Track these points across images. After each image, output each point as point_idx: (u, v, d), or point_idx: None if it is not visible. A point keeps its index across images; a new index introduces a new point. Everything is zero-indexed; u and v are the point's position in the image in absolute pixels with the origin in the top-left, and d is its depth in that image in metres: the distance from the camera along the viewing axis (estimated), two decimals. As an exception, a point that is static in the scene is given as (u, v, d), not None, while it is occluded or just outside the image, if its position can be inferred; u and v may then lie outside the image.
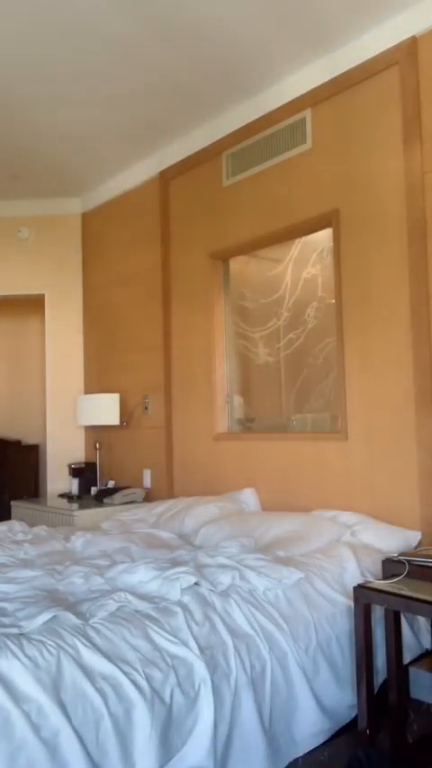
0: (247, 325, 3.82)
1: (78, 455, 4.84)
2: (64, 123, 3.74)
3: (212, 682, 1.84)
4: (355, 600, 2.15)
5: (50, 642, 1.69)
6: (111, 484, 4.41)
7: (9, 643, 1.64)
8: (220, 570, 2.23)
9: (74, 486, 4.44)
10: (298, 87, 3.29)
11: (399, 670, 2.22)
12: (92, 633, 1.78)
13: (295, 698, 2.06)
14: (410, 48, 2.82)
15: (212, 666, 1.87)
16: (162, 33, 2.91)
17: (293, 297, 3.58)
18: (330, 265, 3.32)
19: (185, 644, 1.87)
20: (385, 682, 2.28)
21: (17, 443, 5.88)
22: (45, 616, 1.80)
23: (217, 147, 3.76)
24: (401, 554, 2.36)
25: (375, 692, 2.19)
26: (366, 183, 3.01)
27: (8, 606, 1.95)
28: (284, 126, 3.40)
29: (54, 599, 2.05)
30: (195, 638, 1.90)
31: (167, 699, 1.75)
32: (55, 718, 1.55)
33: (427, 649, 2.48)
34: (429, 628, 2.52)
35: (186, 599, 2.05)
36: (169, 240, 4.14)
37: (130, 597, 1.98)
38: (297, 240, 3.55)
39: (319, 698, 2.11)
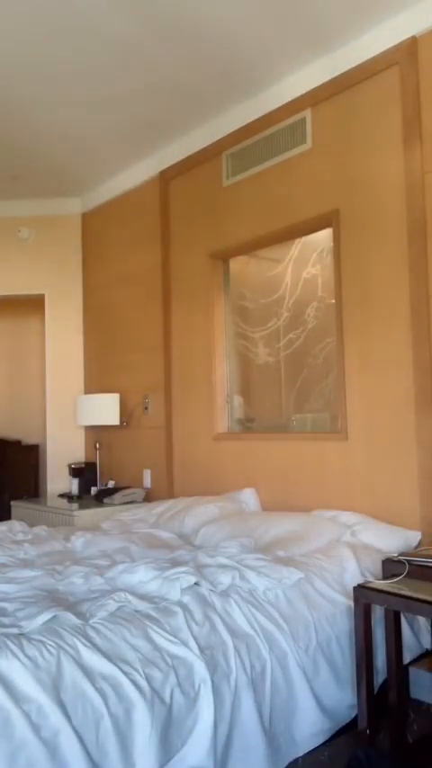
0: (247, 325, 3.82)
1: (78, 455, 4.84)
2: (64, 123, 3.74)
3: (212, 682, 1.84)
4: (355, 600, 2.15)
5: (50, 642, 1.69)
6: (111, 484, 4.41)
7: (9, 643, 1.64)
8: (220, 570, 2.23)
9: (74, 486, 4.44)
10: (298, 87, 3.29)
11: (399, 670, 2.22)
12: (92, 633, 1.78)
13: (295, 698, 2.06)
14: (410, 48, 2.82)
15: (212, 666, 1.87)
16: (162, 33, 2.91)
17: (293, 297, 3.58)
18: (330, 265, 3.32)
19: (185, 644, 1.87)
20: (385, 682, 2.28)
21: (17, 443, 5.88)
22: (45, 616, 1.80)
23: (217, 147, 3.76)
24: (401, 554, 2.36)
25: (375, 692, 2.19)
26: (366, 183, 3.01)
27: (8, 606, 1.95)
28: (284, 126, 3.40)
29: (54, 599, 2.05)
30: (195, 638, 1.90)
31: (167, 699, 1.75)
32: (55, 718, 1.55)
33: (427, 649, 2.48)
34: (429, 628, 2.52)
35: (186, 599, 2.05)
36: (169, 240, 4.14)
37: (130, 597, 1.98)
38: (297, 240, 3.55)
39: (319, 698, 2.11)
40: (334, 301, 3.21)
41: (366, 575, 2.43)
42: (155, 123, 3.78)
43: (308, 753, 2.07)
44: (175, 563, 2.40)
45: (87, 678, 1.66)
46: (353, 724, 2.19)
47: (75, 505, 4.00)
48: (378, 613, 2.32)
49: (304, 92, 3.27)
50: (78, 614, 1.87)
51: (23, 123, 3.72)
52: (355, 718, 2.17)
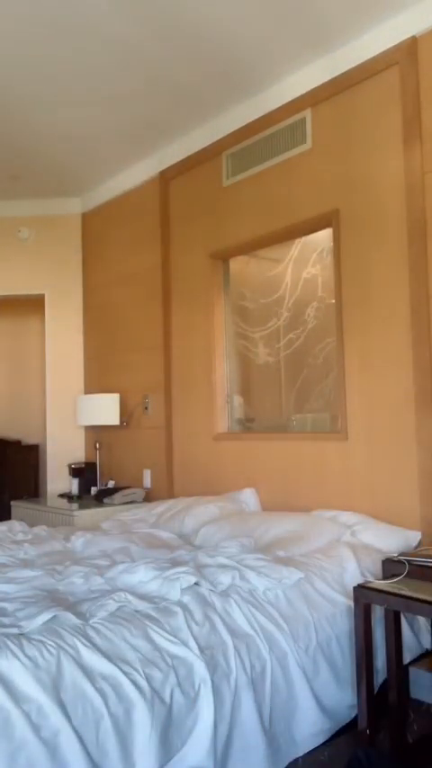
0: (247, 325, 3.82)
1: (78, 455, 4.84)
2: (64, 123, 3.74)
3: (212, 682, 1.84)
4: (355, 600, 2.15)
5: (50, 642, 1.69)
6: (111, 484, 4.41)
7: (9, 643, 1.64)
8: (220, 570, 2.23)
9: (74, 486, 4.44)
10: (298, 87, 3.29)
11: (399, 670, 2.22)
12: (92, 633, 1.78)
13: (295, 698, 2.06)
14: (410, 48, 2.82)
15: (212, 666, 1.87)
16: (162, 33, 2.91)
17: (293, 297, 3.58)
18: (330, 265, 3.32)
19: (185, 644, 1.87)
20: (385, 682, 2.28)
21: (17, 443, 5.88)
22: (45, 616, 1.80)
23: (217, 147, 3.76)
24: (401, 554, 2.36)
25: (375, 692, 2.19)
26: (366, 183, 3.01)
27: (8, 606, 1.95)
28: (284, 126, 3.40)
29: (54, 599, 2.05)
30: (195, 638, 1.90)
31: (167, 699, 1.75)
32: (55, 718, 1.55)
33: (427, 649, 2.48)
34: (429, 628, 2.52)
35: (186, 599, 2.05)
36: (169, 240, 4.14)
37: (130, 597, 1.98)
38: (297, 240, 3.55)
39: (319, 698, 2.11)
40: (334, 301, 3.21)
41: (366, 575, 2.43)
42: (155, 123, 3.78)
43: (308, 753, 2.07)
44: (175, 563, 2.40)
45: (87, 678, 1.66)
46: (353, 724, 2.19)
47: (75, 505, 4.00)
48: (378, 613, 2.32)
49: (304, 92, 3.27)
50: (78, 614, 1.87)
51: (23, 123, 3.72)
52: (355, 718, 2.17)
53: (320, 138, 3.24)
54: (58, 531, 3.23)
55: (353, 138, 3.08)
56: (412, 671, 2.47)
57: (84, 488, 4.45)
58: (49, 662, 1.64)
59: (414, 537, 2.72)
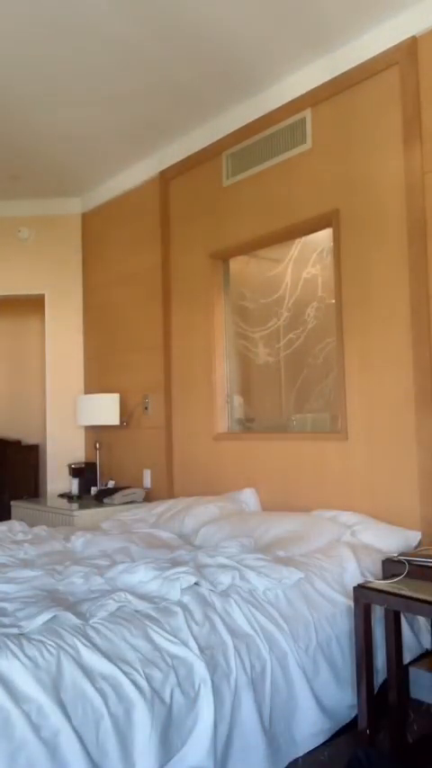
0: (247, 325, 3.82)
1: (78, 455, 4.84)
2: (64, 123, 3.74)
3: (212, 682, 1.84)
4: (355, 600, 2.15)
5: (50, 642, 1.69)
6: (111, 484, 4.41)
7: (9, 643, 1.64)
8: (220, 570, 2.23)
9: (74, 486, 4.44)
10: (298, 87, 3.29)
11: (399, 670, 2.22)
12: (92, 633, 1.78)
13: (295, 698, 2.06)
14: (410, 48, 2.82)
15: (212, 666, 1.87)
16: (162, 33, 2.91)
17: (293, 297, 3.58)
18: (330, 265, 3.32)
19: (185, 644, 1.87)
20: (385, 682, 2.28)
21: (17, 443, 5.88)
22: (45, 616, 1.80)
23: (217, 147, 3.76)
24: (401, 554, 2.36)
25: (375, 692, 2.19)
26: (366, 183, 3.01)
27: (8, 606, 1.95)
28: (284, 126, 3.40)
29: (54, 599, 2.05)
30: (195, 638, 1.90)
31: (167, 699, 1.75)
32: (55, 718, 1.55)
33: (427, 649, 2.48)
34: (429, 628, 2.52)
35: (186, 599, 2.05)
36: (169, 240, 4.14)
37: (130, 597, 1.98)
38: (297, 240, 3.55)
39: (319, 698, 2.11)
40: (334, 301, 3.21)
41: (366, 575, 2.43)
42: (155, 123, 3.78)
43: (308, 753, 2.07)
44: (175, 563, 2.40)
45: (87, 678, 1.66)
46: (353, 724, 2.19)
47: (75, 505, 4.00)
48: (378, 613, 2.32)
49: (304, 92, 3.27)
50: (78, 614, 1.87)
51: (23, 123, 3.72)
52: (355, 718, 2.17)
53: (320, 138, 3.24)
54: (58, 531, 3.23)
55: (353, 138, 3.08)
56: (412, 671, 2.47)
57: (84, 488, 4.45)
58: (49, 662, 1.64)
59: (414, 537, 2.72)
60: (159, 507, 3.54)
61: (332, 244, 3.19)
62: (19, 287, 4.94)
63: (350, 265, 3.08)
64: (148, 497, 4.17)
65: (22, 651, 1.63)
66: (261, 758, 1.90)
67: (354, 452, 3.02)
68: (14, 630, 1.74)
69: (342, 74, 3.09)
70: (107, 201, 4.69)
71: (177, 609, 1.98)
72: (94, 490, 4.40)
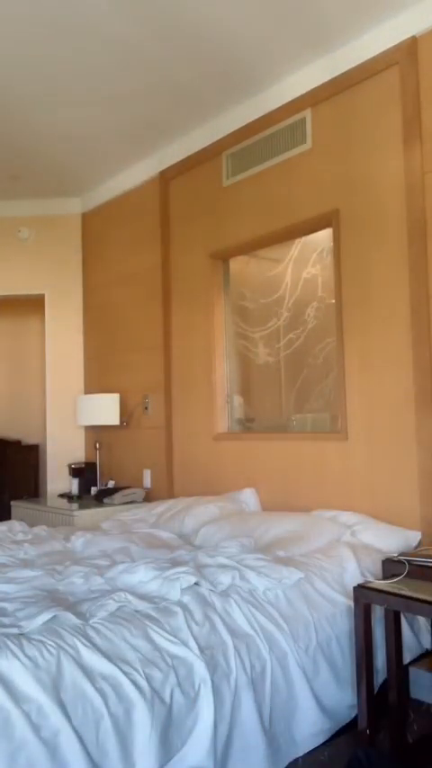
0: (247, 325, 3.82)
1: (78, 455, 4.84)
2: (64, 123, 3.74)
3: (212, 682, 1.84)
4: (355, 600, 2.15)
5: (50, 642, 1.69)
6: (111, 484, 4.42)
7: (9, 643, 1.64)
8: (220, 570, 2.23)
9: (74, 486, 4.44)
10: (298, 87, 3.29)
11: (399, 670, 2.22)
12: (92, 633, 1.78)
13: (295, 698, 2.06)
14: (410, 48, 2.82)
15: (212, 666, 1.87)
16: (162, 33, 2.91)
17: (293, 297, 3.58)
18: (330, 265, 3.32)
19: (185, 644, 1.87)
20: (385, 682, 2.28)
21: (17, 443, 5.88)
22: (45, 616, 1.80)
23: (217, 147, 3.76)
24: (401, 554, 2.36)
25: (375, 692, 2.19)
26: (366, 183, 3.01)
27: (8, 606, 1.95)
28: (284, 126, 3.40)
29: (54, 599, 2.05)
30: (195, 638, 1.90)
31: (167, 699, 1.75)
32: (55, 718, 1.55)
33: (427, 649, 2.48)
34: (429, 628, 2.52)
35: (186, 599, 2.05)
36: (169, 240, 4.14)
37: (130, 597, 1.98)
38: (297, 240, 3.55)
39: (319, 698, 2.11)
40: (334, 301, 3.21)
41: (366, 575, 2.43)
42: (155, 123, 3.78)
43: (308, 753, 2.07)
44: (175, 563, 2.40)
45: (87, 678, 1.66)
46: (353, 724, 2.19)
47: (75, 505, 4.00)
48: (378, 613, 2.32)
49: (304, 92, 3.27)
50: (78, 614, 1.87)
51: (23, 123, 3.72)
52: (355, 718, 2.17)
53: (320, 138, 3.24)
54: (58, 531, 3.23)
55: (353, 138, 3.08)
56: (412, 671, 2.47)
57: (84, 488, 4.45)
58: (49, 662, 1.64)
59: (414, 537, 2.72)
60: (159, 507, 3.54)
61: (332, 244, 3.19)
62: (19, 287, 4.94)
63: (350, 265, 3.08)
64: (148, 497, 4.17)
65: (22, 651, 1.63)
66: (261, 758, 1.90)
67: (354, 452, 3.02)
68: (14, 630, 1.74)
69: (342, 74, 3.09)
70: (107, 201, 4.69)
71: (177, 609, 1.98)
72: (94, 490, 4.40)
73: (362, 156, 3.04)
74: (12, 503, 4.41)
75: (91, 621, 1.84)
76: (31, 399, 5.94)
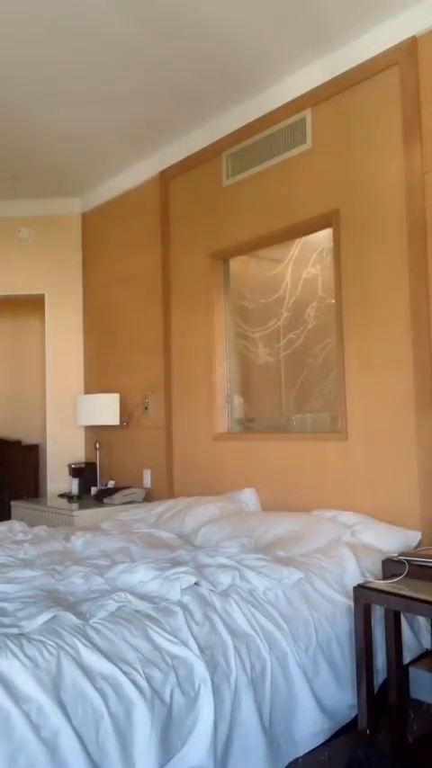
0: (247, 325, 3.82)
1: (78, 455, 4.84)
2: (64, 123, 3.74)
3: (212, 682, 1.84)
4: (355, 600, 2.15)
5: (50, 642, 1.69)
6: (111, 484, 4.41)
7: (9, 643, 1.64)
8: (220, 570, 2.23)
9: (74, 486, 4.44)
10: (298, 87, 3.29)
11: (399, 670, 2.22)
12: (92, 633, 1.78)
13: (295, 698, 2.06)
14: (410, 48, 2.82)
15: (212, 666, 1.87)
16: (162, 33, 2.91)
17: (293, 297, 3.58)
18: (330, 265, 3.32)
19: (185, 644, 1.87)
20: (385, 682, 2.28)
21: (17, 443, 5.88)
22: (45, 616, 1.80)
23: (217, 147, 3.76)
24: (401, 554, 2.36)
25: (375, 692, 2.19)
26: (366, 183, 3.01)
27: (8, 606, 1.95)
28: (284, 126, 3.40)
29: (54, 599, 2.05)
30: (195, 638, 1.90)
31: (167, 699, 1.75)
32: (55, 718, 1.55)
33: (427, 649, 2.48)
34: (429, 628, 2.52)
35: (186, 599, 2.05)
36: (169, 240, 4.14)
37: (130, 597, 1.98)
38: (297, 240, 3.55)
39: (319, 698, 2.11)
40: (334, 301, 3.21)
41: (366, 575, 2.43)
42: (155, 123, 3.78)
43: (308, 753, 2.07)
44: (175, 563, 2.40)
45: (87, 678, 1.66)
46: (353, 724, 2.19)
47: (75, 505, 4.00)
48: (378, 613, 2.32)
49: (304, 92, 3.27)
50: (78, 614, 1.87)
51: (23, 123, 3.72)
52: (355, 718, 2.17)
53: (320, 138, 3.24)
54: (58, 531, 3.23)
55: (353, 138, 3.08)
56: (412, 671, 2.47)
57: (84, 488, 4.45)
58: (49, 662, 1.64)
59: (414, 537, 2.72)
60: (159, 507, 3.54)
61: (332, 244, 3.19)
62: (19, 287, 4.94)
63: (350, 265, 3.08)
64: (148, 497, 4.17)
65: (22, 651, 1.63)
66: (261, 758, 1.90)
67: (354, 452, 3.02)
68: (14, 630, 1.74)
69: (342, 74, 3.09)
70: (107, 201, 4.69)
71: (177, 609, 1.98)
72: (94, 490, 4.40)
73: (362, 156, 3.04)
74: (12, 503, 4.41)
75: (91, 621, 1.84)
76: (31, 399, 5.94)
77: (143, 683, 1.72)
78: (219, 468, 3.73)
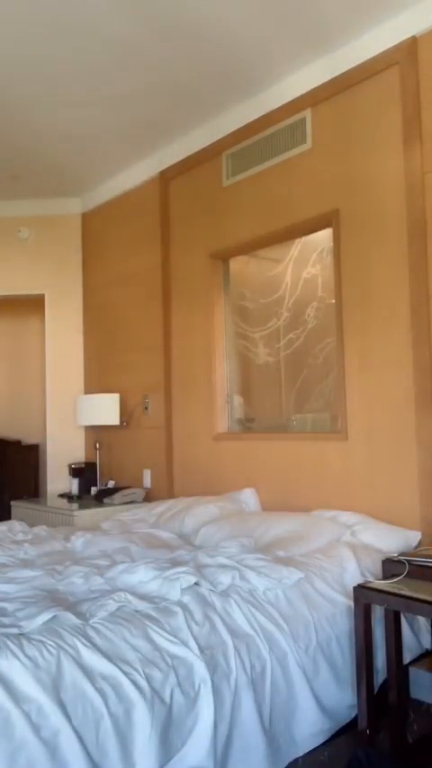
0: (247, 325, 3.82)
1: (78, 455, 4.84)
2: (64, 123, 3.74)
3: (212, 682, 1.84)
4: (355, 600, 2.15)
5: (50, 642, 1.69)
6: (111, 484, 4.41)
7: (9, 643, 1.64)
8: (220, 570, 2.23)
9: (74, 486, 4.44)
10: (298, 87, 3.29)
11: (399, 670, 2.22)
12: (92, 633, 1.78)
13: (295, 698, 2.06)
14: (410, 48, 2.82)
15: (212, 666, 1.87)
16: (162, 33, 2.91)
17: (293, 297, 3.58)
18: (330, 265, 3.32)
19: (185, 644, 1.87)
20: (385, 682, 2.28)
21: (17, 443, 5.88)
22: (45, 616, 1.80)
23: (217, 147, 3.76)
24: (401, 554, 2.36)
25: (375, 692, 2.19)
26: (366, 183, 3.01)
27: (8, 606, 1.95)
28: (284, 126, 3.40)
29: (54, 599, 2.05)
30: (195, 638, 1.90)
31: (167, 699, 1.75)
32: (55, 718, 1.55)
33: (427, 649, 2.48)
34: (429, 628, 2.52)
35: (186, 599, 2.05)
36: (169, 240, 4.14)
37: (130, 597, 1.98)
38: (297, 240, 3.55)
39: (319, 698, 2.11)
40: (334, 301, 3.21)
41: (366, 575, 2.43)
42: (155, 123, 3.78)
43: (308, 753, 2.07)
44: (175, 563, 2.40)
45: (87, 678, 1.66)
46: (353, 724, 2.19)
47: (75, 505, 4.00)
48: (378, 613, 2.32)
49: (304, 92, 3.27)
50: (78, 614, 1.87)
51: (23, 123, 3.72)
52: (355, 718, 2.17)
53: (320, 138, 3.24)
54: (58, 531, 3.23)
55: (353, 138, 3.08)
56: (412, 671, 2.47)
57: (84, 488, 4.45)
58: (49, 662, 1.64)
59: (414, 537, 2.72)
60: (159, 507, 3.54)
61: (332, 244, 3.19)
62: (19, 287, 4.94)
63: (350, 265, 3.08)
64: (148, 497, 4.17)
65: (22, 651, 1.63)
66: (261, 758, 1.90)
67: (354, 452, 3.02)
68: (14, 630, 1.74)
69: (342, 74, 3.09)
70: (107, 201, 4.69)
71: (177, 609, 1.98)
72: (94, 490, 4.40)
73: (362, 156, 3.04)
74: (12, 503, 4.41)
75: (91, 621, 1.84)
76: (31, 399, 5.94)
77: (143, 683, 1.72)
78: (219, 468, 3.73)
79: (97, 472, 4.53)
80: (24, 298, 5.10)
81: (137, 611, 1.94)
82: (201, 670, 1.83)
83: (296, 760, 2.04)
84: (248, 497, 3.44)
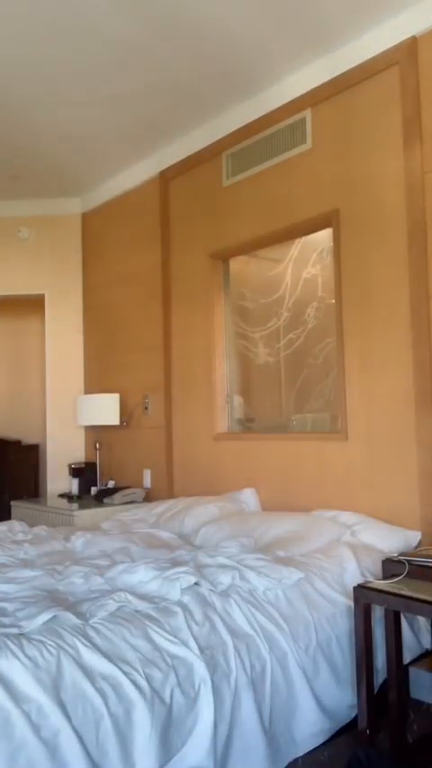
0: (247, 325, 3.82)
1: (78, 455, 4.84)
2: (64, 123, 3.74)
3: (212, 682, 1.84)
4: (355, 600, 2.15)
5: (50, 642, 1.69)
6: (111, 484, 4.42)
7: (9, 643, 1.64)
8: (220, 570, 2.23)
9: (74, 486, 4.45)
10: (298, 87, 3.29)
11: (399, 670, 2.22)
12: (92, 633, 1.78)
13: (295, 698, 2.06)
14: (410, 48, 2.82)
15: (212, 666, 1.87)
16: (162, 33, 2.91)
17: (293, 297, 3.58)
18: (330, 265, 3.32)
19: (185, 644, 1.87)
20: (385, 682, 2.28)
21: (17, 443, 5.88)
22: (45, 616, 1.80)
23: (217, 147, 3.76)
24: (401, 554, 2.36)
25: (375, 692, 2.19)
26: (366, 183, 3.01)
27: (8, 606, 1.95)
28: (284, 126, 3.40)
29: (54, 599, 2.05)
30: (195, 638, 1.90)
31: (167, 699, 1.75)
32: (55, 718, 1.55)
33: (427, 649, 2.48)
34: (429, 628, 2.52)
35: (186, 599, 2.05)
36: (169, 240, 4.14)
37: (130, 597, 1.98)
38: (297, 240, 3.55)
39: (319, 698, 2.11)
40: (334, 301, 3.21)
41: (366, 575, 2.43)
42: (155, 123, 3.78)
43: (308, 753, 2.07)
44: (175, 563, 2.40)
45: (87, 678, 1.66)
46: (353, 724, 2.19)
47: (75, 505, 4.00)
48: (378, 613, 2.32)
49: (304, 92, 3.27)
50: (78, 614, 1.87)
51: (23, 123, 3.72)
52: (355, 718, 2.17)
53: (320, 138, 3.24)
54: (58, 531, 3.23)
55: (353, 138, 3.08)
56: (412, 671, 2.47)
57: (84, 488, 4.45)
58: (49, 662, 1.64)
59: (414, 537, 2.72)
60: (159, 507, 3.54)
61: (332, 244, 3.19)
62: (19, 287, 4.94)
63: (350, 265, 3.08)
64: (148, 497, 4.17)
65: (22, 651, 1.63)
66: (261, 758, 1.90)
67: (354, 452, 3.02)
68: (14, 630, 1.74)
69: (342, 74, 3.09)
70: (107, 201, 4.69)
71: (177, 609, 1.98)
72: (94, 490, 4.40)
73: (362, 156, 3.04)
74: (12, 503, 4.41)
75: (91, 621, 1.84)
76: (31, 399, 5.94)
77: (143, 683, 1.72)
78: (219, 468, 3.73)
79: (97, 472, 4.53)
80: (24, 298, 5.10)
81: (137, 611, 1.94)
82: (201, 670, 1.83)
83: (296, 760, 2.04)
84: (248, 497, 3.44)
